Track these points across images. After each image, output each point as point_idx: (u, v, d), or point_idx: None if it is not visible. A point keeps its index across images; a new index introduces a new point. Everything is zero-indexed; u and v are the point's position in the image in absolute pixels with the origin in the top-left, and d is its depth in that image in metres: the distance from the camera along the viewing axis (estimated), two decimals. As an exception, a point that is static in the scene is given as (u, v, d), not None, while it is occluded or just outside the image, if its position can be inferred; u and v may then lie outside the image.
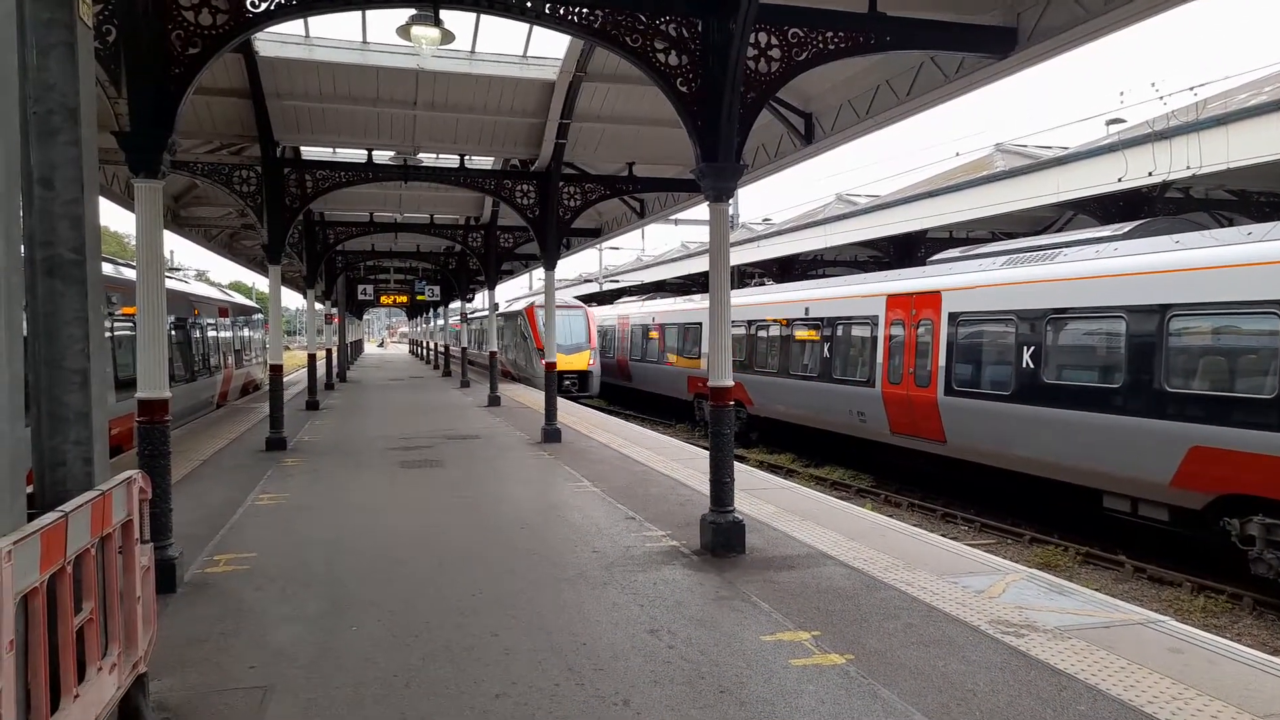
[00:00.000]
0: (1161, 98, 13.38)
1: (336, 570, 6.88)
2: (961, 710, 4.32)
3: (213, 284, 29.82)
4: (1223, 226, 12.67)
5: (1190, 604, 9.27)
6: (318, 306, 27.89)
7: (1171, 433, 9.49)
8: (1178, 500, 9.71)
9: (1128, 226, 11.81)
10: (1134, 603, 8.23)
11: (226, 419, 18.78)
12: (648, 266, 41.96)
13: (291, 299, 66.37)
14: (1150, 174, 13.85)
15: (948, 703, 4.40)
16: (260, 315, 30.45)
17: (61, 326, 3.80)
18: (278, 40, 11.34)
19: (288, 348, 77.37)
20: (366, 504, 9.49)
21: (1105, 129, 17.41)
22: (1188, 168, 13.32)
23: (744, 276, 32.68)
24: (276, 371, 13.88)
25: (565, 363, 24.44)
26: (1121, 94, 15.93)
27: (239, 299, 29.65)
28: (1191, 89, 13.24)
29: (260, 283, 53.02)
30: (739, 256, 29.17)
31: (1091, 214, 17.87)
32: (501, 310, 33.49)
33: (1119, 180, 14.46)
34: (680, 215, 27.59)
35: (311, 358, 21.27)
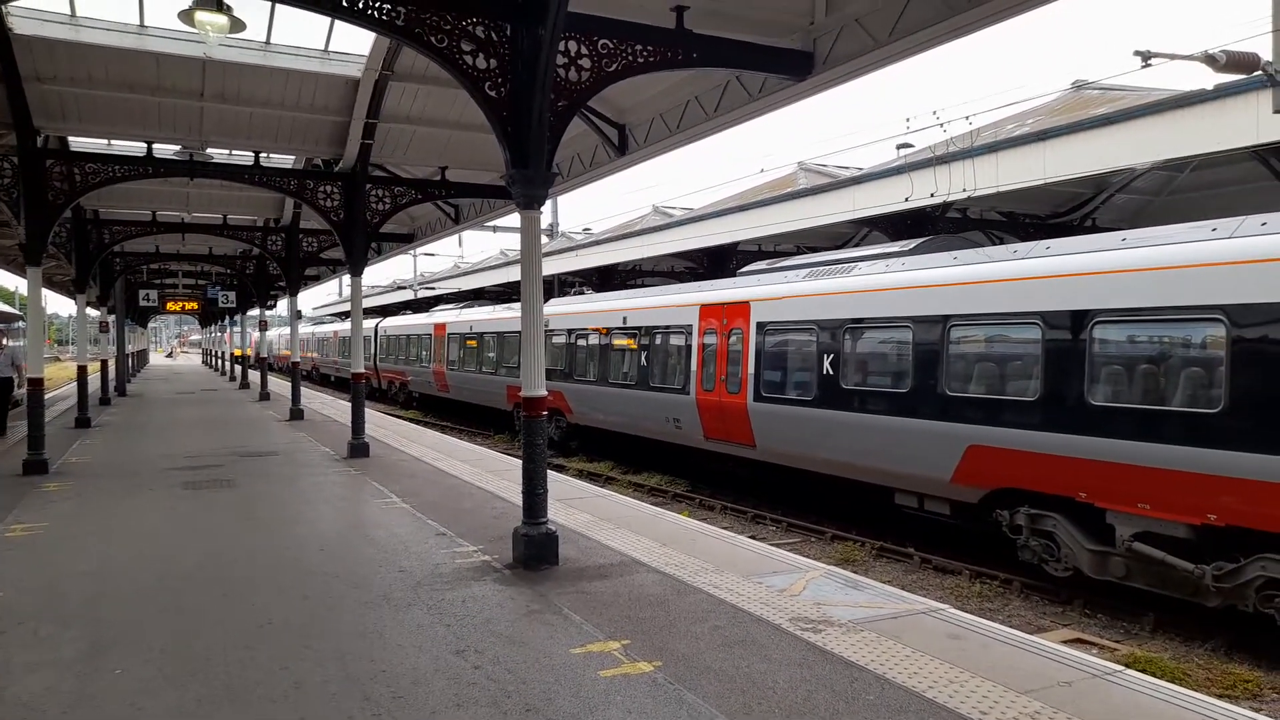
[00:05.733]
0: (942, 125, 14.57)
1: (101, 607, 6.16)
2: (762, 709, 4.42)
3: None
4: (995, 244, 13.97)
5: (969, 590, 10.07)
6: (91, 313, 25.23)
7: (951, 433, 10.30)
8: (957, 495, 10.55)
9: (914, 243, 12.74)
10: (920, 593, 8.85)
11: (-23, 440, 16.56)
12: (466, 274, 41.06)
13: (64, 305, 59.89)
14: (932, 195, 15.04)
15: (749, 702, 4.49)
16: (22, 323, 27.17)
17: None
18: (35, 17, 10.12)
19: (56, 358, 69.66)
20: (141, 531, 8.61)
21: (896, 152, 18.78)
22: (964, 190, 14.58)
23: (564, 285, 32.69)
24: (36, 386, 12.37)
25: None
26: (908, 120, 17.28)
27: (-3, 304, 26.33)
28: (967, 118, 14.48)
29: (24, 286, 47.36)
30: (559, 265, 29.15)
31: (884, 231, 19.18)
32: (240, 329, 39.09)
33: (905, 200, 15.62)
34: (499, 222, 27.17)
35: (82, 369, 19.17)
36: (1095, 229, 16.94)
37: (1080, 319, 8.92)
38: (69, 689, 4.71)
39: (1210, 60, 8.43)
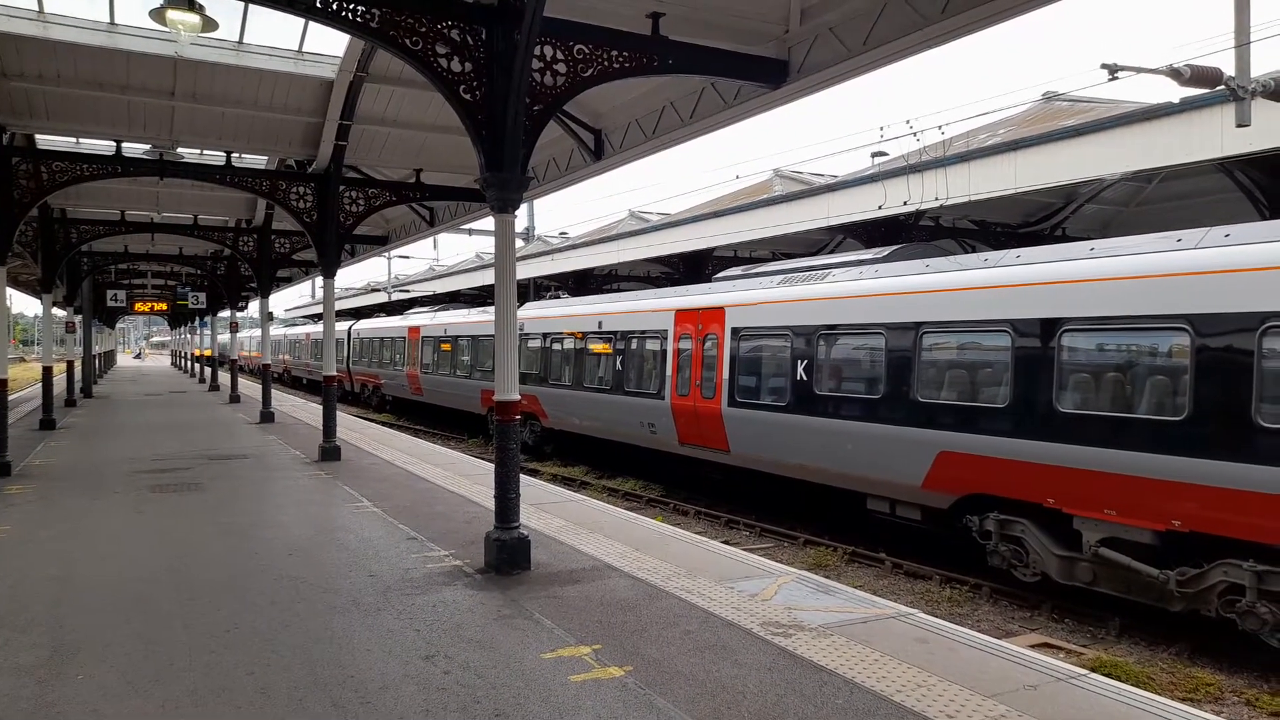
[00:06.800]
0: (915, 134, 14.71)
1: (63, 612, 6.06)
2: (732, 713, 4.43)
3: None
4: (966, 252, 14.12)
5: (939, 594, 10.16)
6: (58, 313, 24.83)
7: (923, 439, 10.39)
8: (928, 501, 10.64)
9: (887, 250, 12.86)
10: (890, 597, 8.90)
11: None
12: (441, 276, 40.85)
13: (30, 304, 58.92)
14: (905, 203, 15.18)
15: (719, 707, 4.50)
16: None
17: None
18: (2, 13, 9.95)
19: (23, 359, 68.39)
20: (106, 535, 8.48)
21: (870, 160, 18.93)
22: (937, 199, 14.73)
23: (540, 289, 32.63)
24: (0, 387, 12.15)
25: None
26: (881, 129, 17.48)
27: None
28: (940, 128, 14.62)
29: (-11, 286, 46.35)
30: (535, 269, 29.09)
31: (858, 238, 19.34)
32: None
33: (879, 208, 15.76)
34: (474, 225, 27.11)
35: (47, 370, 18.84)
36: (1065, 238, 17.17)
37: (1049, 327, 9.03)
38: (29, 695, 4.63)
39: (1175, 74, 8.57)
